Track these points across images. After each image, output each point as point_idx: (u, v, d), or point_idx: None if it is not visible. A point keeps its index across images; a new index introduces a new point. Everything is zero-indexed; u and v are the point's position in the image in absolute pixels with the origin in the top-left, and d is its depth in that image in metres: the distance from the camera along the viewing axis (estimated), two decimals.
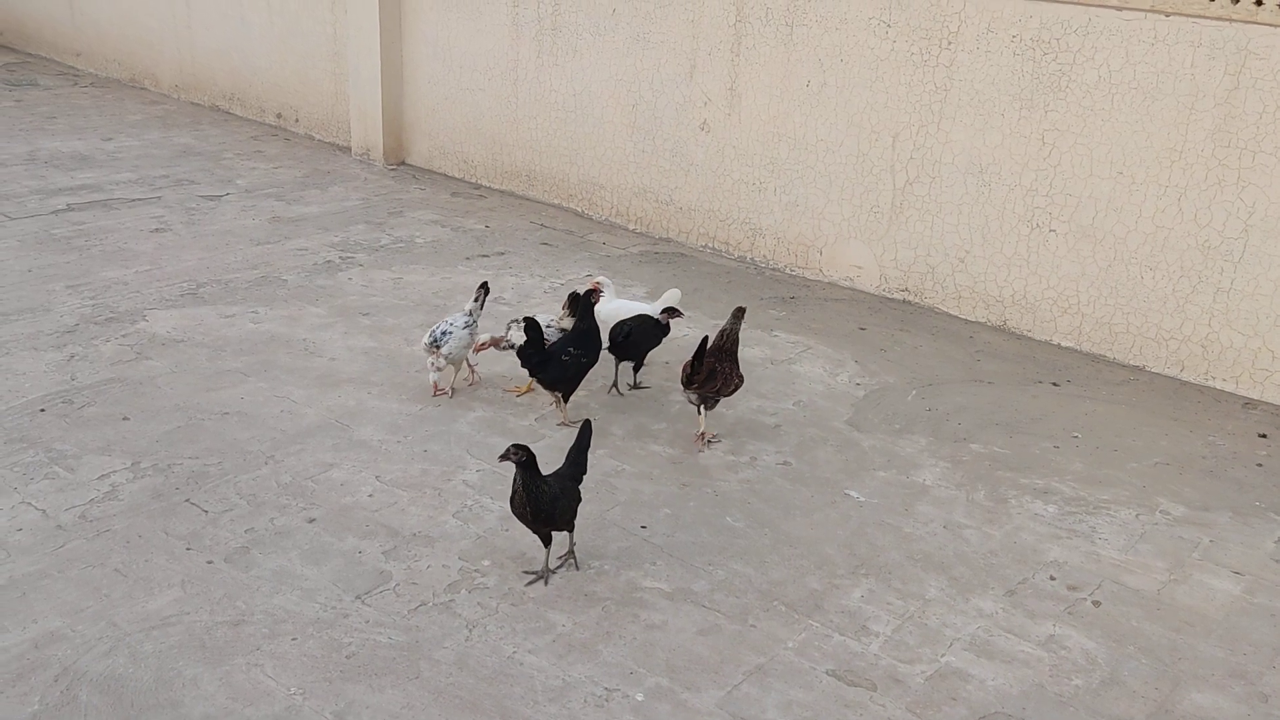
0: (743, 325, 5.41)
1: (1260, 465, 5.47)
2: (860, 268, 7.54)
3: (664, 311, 5.86)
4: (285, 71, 11.00)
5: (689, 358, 5.22)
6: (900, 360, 6.52)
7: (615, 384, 5.94)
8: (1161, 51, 6.05)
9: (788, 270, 7.88)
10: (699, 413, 5.41)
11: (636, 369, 5.99)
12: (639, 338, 5.76)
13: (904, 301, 7.39)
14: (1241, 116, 5.88)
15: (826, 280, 7.71)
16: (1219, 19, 5.85)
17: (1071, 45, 6.34)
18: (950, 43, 6.77)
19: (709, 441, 5.44)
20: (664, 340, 5.85)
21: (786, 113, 7.60)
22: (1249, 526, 4.93)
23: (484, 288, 5.83)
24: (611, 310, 5.93)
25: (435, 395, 5.70)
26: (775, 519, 4.85)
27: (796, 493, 5.07)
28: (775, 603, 4.28)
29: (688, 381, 5.23)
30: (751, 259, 8.04)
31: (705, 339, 5.20)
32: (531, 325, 5.32)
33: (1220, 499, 5.14)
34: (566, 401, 5.55)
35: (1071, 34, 6.32)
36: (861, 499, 5.04)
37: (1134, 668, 4.01)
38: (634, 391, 5.98)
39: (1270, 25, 5.70)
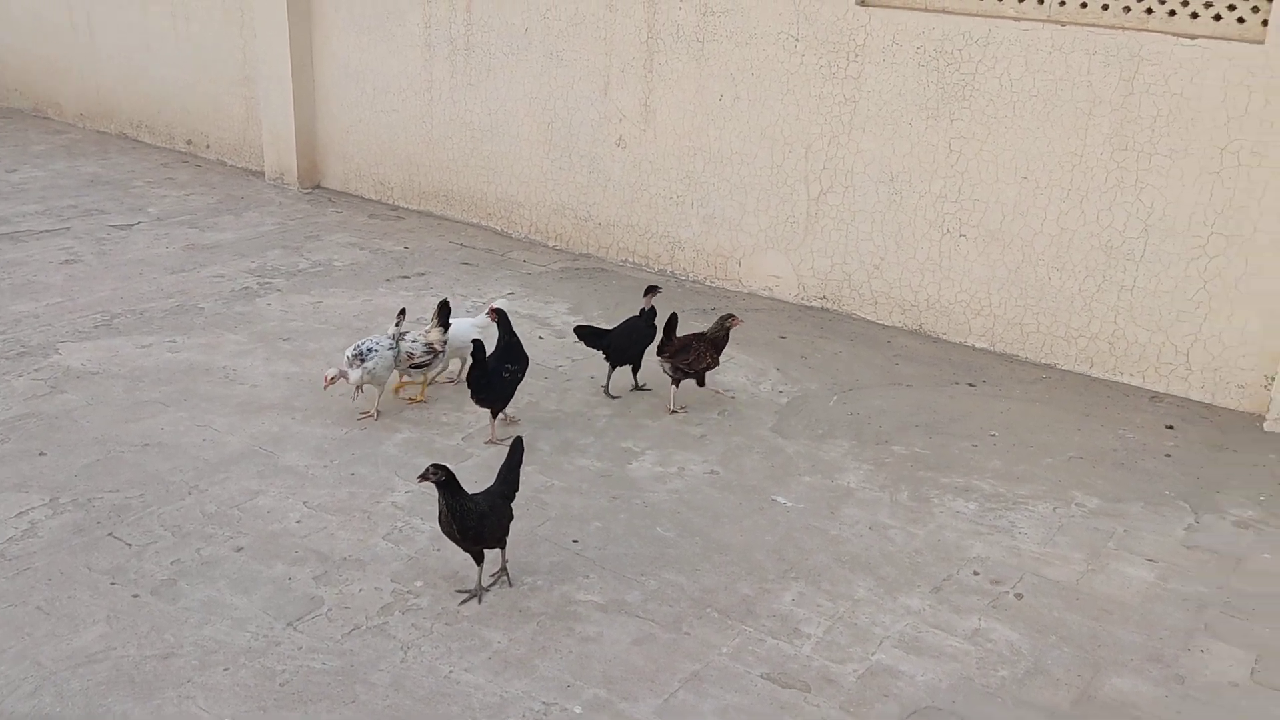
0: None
1: (1168, 456, 5.68)
2: (779, 277, 7.67)
3: (646, 294, 6.07)
4: (194, 97, 10.82)
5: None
6: (821, 366, 6.64)
7: (607, 387, 6.18)
8: (1059, 60, 6.28)
9: (708, 282, 7.98)
10: (701, 384, 5.98)
11: (635, 370, 6.17)
12: (635, 338, 6.03)
13: (822, 309, 7.53)
14: (1137, 121, 6.13)
15: (746, 291, 7.82)
16: (1112, 27, 6.10)
17: (973, 56, 6.54)
18: (857, 55, 6.94)
19: (673, 412, 5.97)
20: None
21: (701, 127, 7.72)
22: (1160, 515, 5.12)
23: (402, 313, 5.86)
24: (450, 334, 5.93)
25: (325, 388, 5.62)
26: (705, 527, 4.91)
27: (725, 500, 5.14)
28: (708, 610, 4.33)
29: (659, 350, 5.80)
30: (672, 272, 8.12)
31: (674, 315, 5.88)
32: (478, 346, 5.36)
33: (1132, 490, 5.33)
34: (496, 418, 5.57)
35: (973, 45, 6.52)
36: (788, 504, 5.13)
37: (1056, 656, 4.14)
38: (637, 392, 6.17)
39: (1160, 32, 5.96)
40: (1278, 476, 5.46)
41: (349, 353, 5.58)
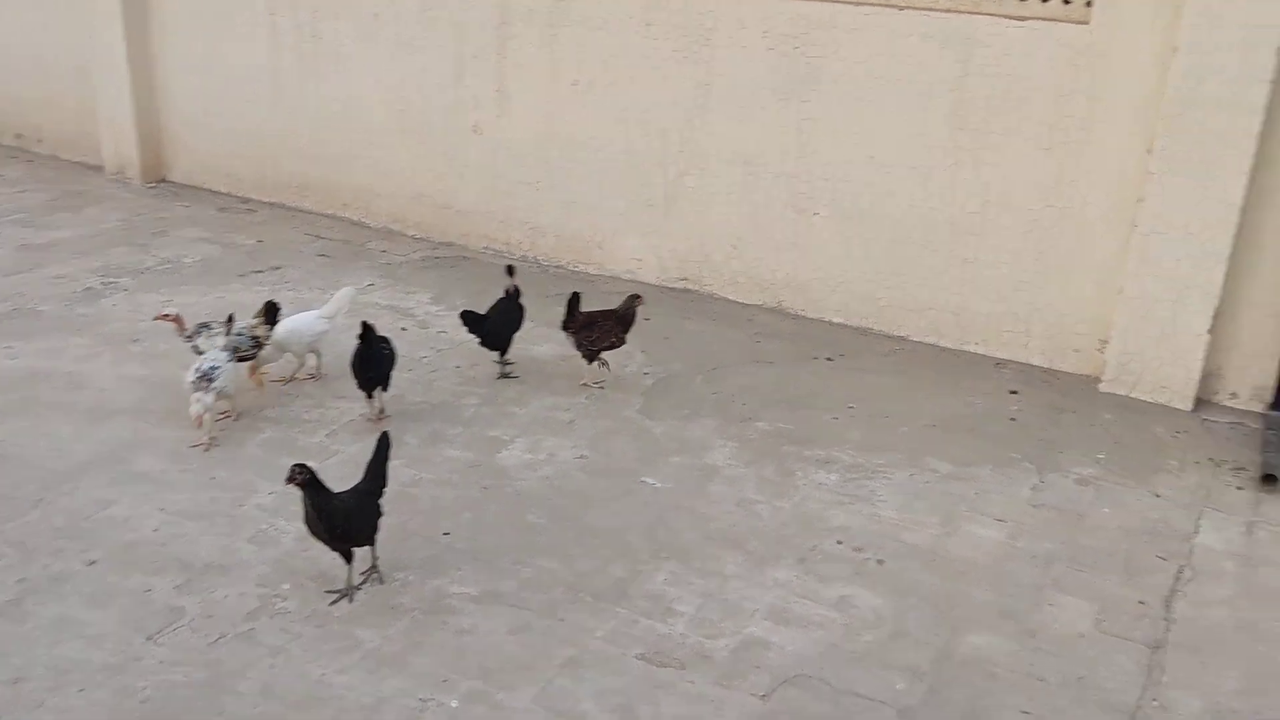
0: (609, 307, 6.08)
1: (1013, 420, 5.96)
2: (640, 260, 7.73)
3: (508, 274, 6.15)
4: (23, 88, 10.25)
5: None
6: (685, 347, 6.74)
7: (504, 370, 6.25)
8: (898, 43, 6.48)
9: (570, 267, 7.99)
10: (590, 362, 6.06)
11: (503, 354, 6.17)
12: (505, 320, 6.08)
13: (684, 290, 7.62)
14: (973, 101, 6.38)
15: (609, 274, 7.85)
16: (947, 10, 6.32)
17: (818, 40, 6.70)
18: (708, 40, 7.03)
19: (595, 384, 6.12)
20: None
21: (556, 112, 7.70)
22: (1007, 477, 5.37)
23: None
24: (290, 328, 5.84)
25: (199, 428, 5.28)
26: (576, 512, 4.94)
27: (595, 484, 5.18)
28: (582, 594, 4.37)
29: (564, 327, 5.97)
30: (534, 258, 8.10)
31: (576, 293, 5.98)
32: (367, 326, 5.42)
33: (981, 454, 5.58)
34: (373, 398, 5.55)
35: (816, 29, 6.68)
36: (658, 485, 5.20)
37: (917, 618, 4.32)
38: (503, 380, 6.16)
39: (992, 15, 6.21)
40: (1114, 435, 5.80)
41: (190, 379, 5.25)
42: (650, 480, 5.23)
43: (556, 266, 8.01)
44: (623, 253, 7.78)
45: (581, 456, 5.42)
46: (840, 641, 4.17)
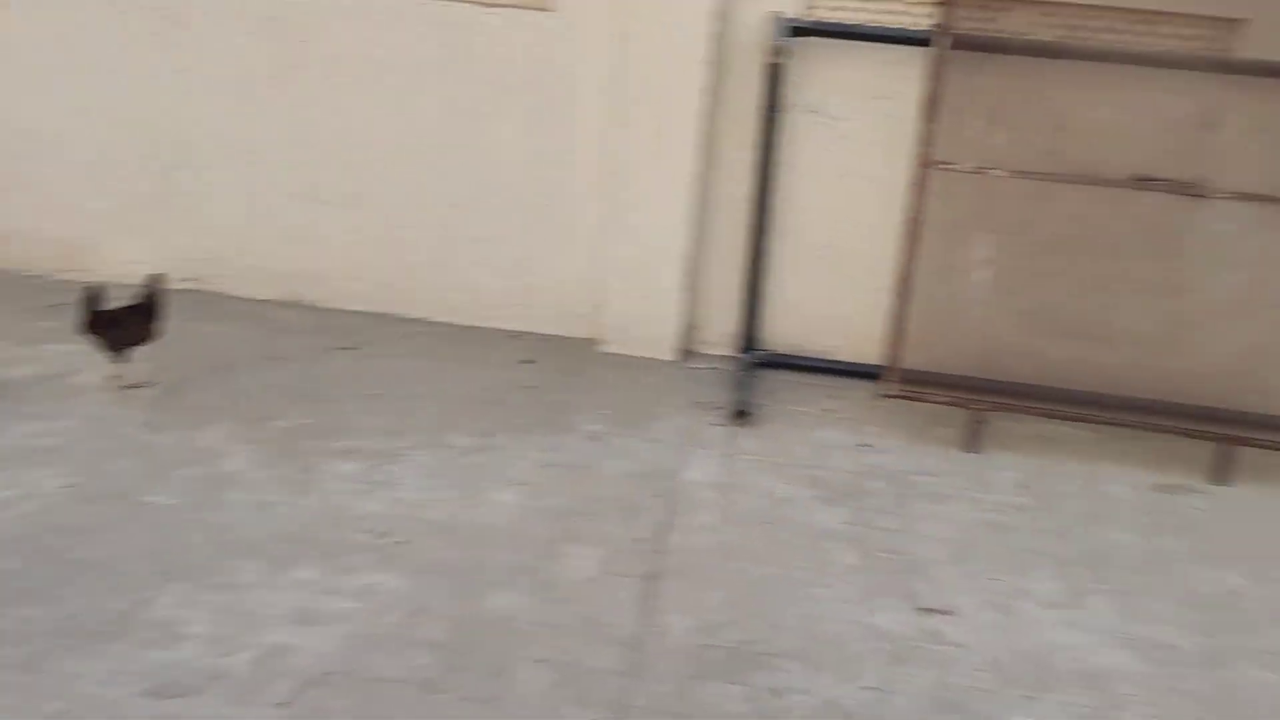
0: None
1: (530, 387, 6.25)
2: (136, 262, 7.12)
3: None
4: None
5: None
6: (194, 351, 6.36)
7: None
8: (389, 28, 6.48)
9: (52, 275, 7.23)
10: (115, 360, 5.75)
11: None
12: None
13: (192, 290, 7.18)
14: (466, 85, 6.53)
15: (104, 280, 7.19)
16: None
17: (305, 24, 6.53)
18: (182, 23, 6.62)
19: (123, 387, 5.78)
20: None
21: (11, 104, 6.91)
22: (523, 442, 5.62)
23: None
24: None
25: None
26: (65, 548, 4.50)
27: (90, 513, 4.75)
28: (71, 638, 3.99)
29: (86, 328, 5.66)
30: (9, 269, 7.24)
31: (94, 290, 5.62)
32: None
33: (500, 423, 5.79)
34: None
35: (300, 14, 6.51)
36: (166, 502, 4.88)
37: (440, 592, 4.39)
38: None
39: (471, 3, 6.39)
40: (615, 391, 6.24)
41: None
42: (156, 499, 4.89)
43: (34, 276, 7.21)
44: (116, 256, 7.16)
45: (70, 485, 4.94)
46: (363, 630, 4.15)
